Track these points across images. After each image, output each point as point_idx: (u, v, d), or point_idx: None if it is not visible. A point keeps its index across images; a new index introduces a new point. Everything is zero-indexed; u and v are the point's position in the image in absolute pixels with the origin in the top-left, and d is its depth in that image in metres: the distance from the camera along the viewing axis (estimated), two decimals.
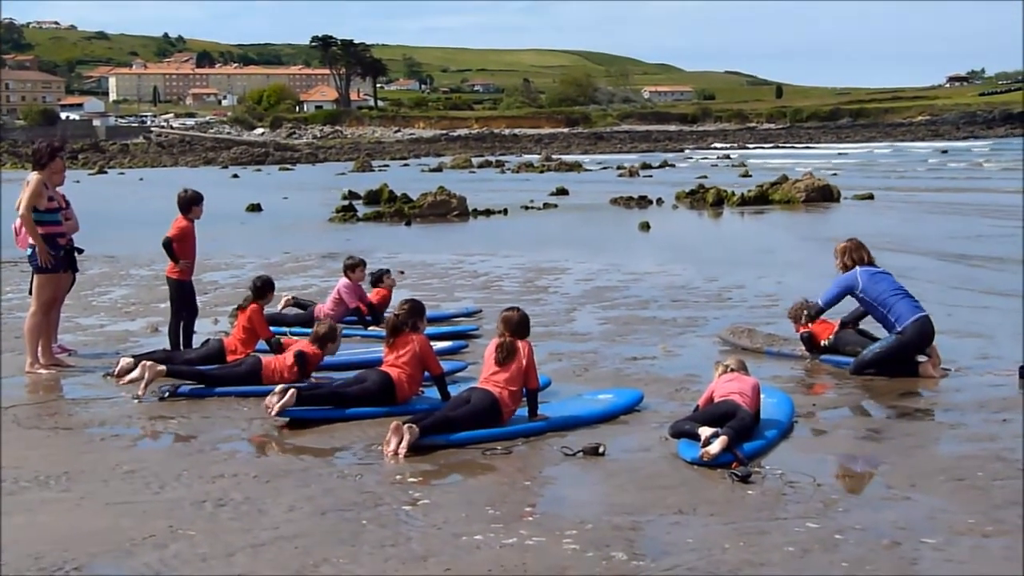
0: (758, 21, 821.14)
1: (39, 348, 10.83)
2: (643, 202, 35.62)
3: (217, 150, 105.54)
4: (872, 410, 9.08)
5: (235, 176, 64.62)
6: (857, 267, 10.48)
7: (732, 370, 8.37)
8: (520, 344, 8.46)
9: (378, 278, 13.63)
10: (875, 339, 10.60)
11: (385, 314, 12.90)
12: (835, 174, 49.40)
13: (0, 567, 5.57)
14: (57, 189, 11.09)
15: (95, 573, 5.54)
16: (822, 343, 10.96)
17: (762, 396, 8.46)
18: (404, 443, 7.67)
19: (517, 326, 8.55)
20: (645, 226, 27.14)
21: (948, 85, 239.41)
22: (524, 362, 8.36)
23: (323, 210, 33.79)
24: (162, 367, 9.87)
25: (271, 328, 11.12)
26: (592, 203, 36.61)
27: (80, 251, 11.52)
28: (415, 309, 9.18)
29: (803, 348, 11.03)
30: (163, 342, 11.97)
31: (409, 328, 9.06)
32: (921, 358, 10.24)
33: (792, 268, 18.36)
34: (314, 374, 10.07)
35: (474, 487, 7.12)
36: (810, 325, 10.94)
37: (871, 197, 35.48)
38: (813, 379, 10.31)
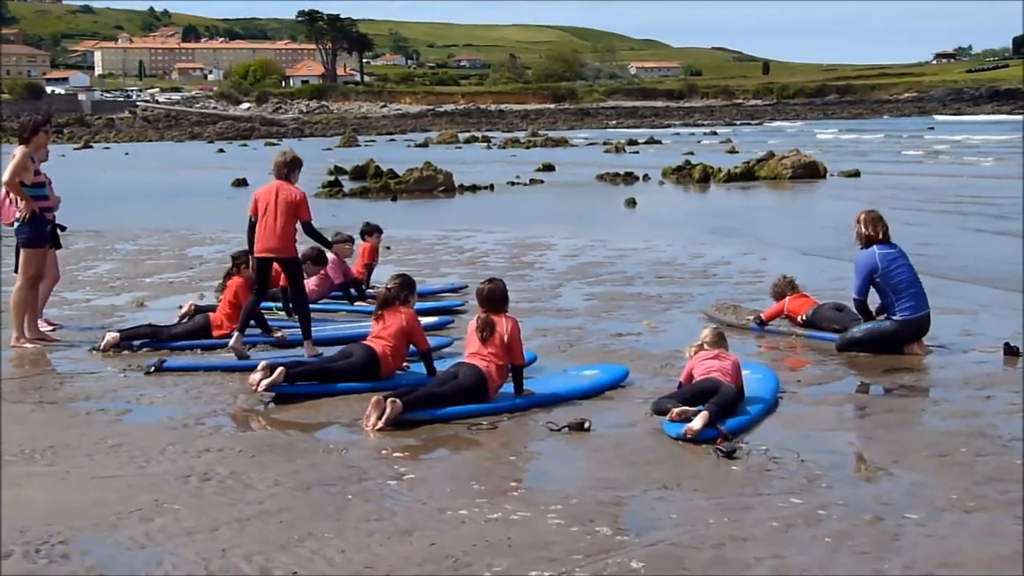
0: None
1: (25, 322, 10.80)
2: (629, 178, 35.62)
3: (203, 125, 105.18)
4: (856, 386, 9.11)
5: (221, 151, 64.39)
6: (875, 246, 10.22)
7: (708, 346, 8.36)
8: (504, 319, 8.46)
9: (368, 232, 13.70)
10: (851, 312, 10.66)
11: (370, 290, 12.95)
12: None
13: None
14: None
15: (80, 547, 5.55)
16: (799, 318, 11.05)
17: (747, 372, 8.51)
18: (385, 417, 7.68)
19: (490, 299, 8.53)
20: (631, 202, 27.14)
21: (935, 62, 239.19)
22: (507, 336, 8.36)
23: (309, 185, 33.55)
24: (115, 334, 10.56)
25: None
26: (578, 179, 36.59)
27: (63, 228, 11.48)
28: (406, 283, 9.18)
29: (790, 325, 11.13)
30: (148, 316, 11.96)
31: (400, 302, 9.06)
32: None
33: (777, 245, 18.38)
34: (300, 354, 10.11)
35: (459, 462, 7.14)
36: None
37: (857, 174, 35.49)
38: (798, 355, 10.35)
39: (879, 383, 9.16)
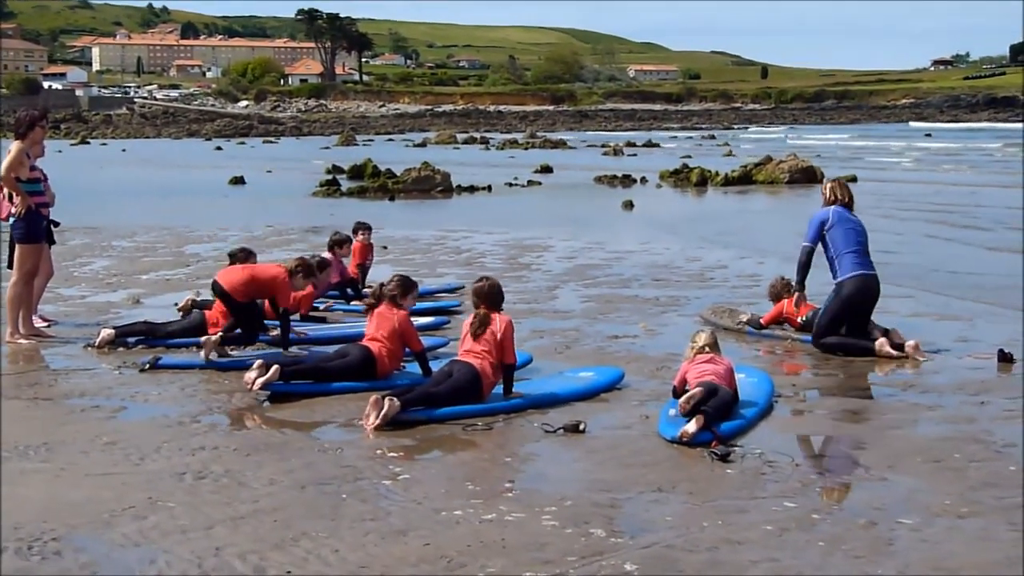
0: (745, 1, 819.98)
1: (19, 318, 10.79)
2: (627, 181, 35.66)
3: (201, 122, 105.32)
4: (851, 391, 9.11)
5: (219, 148, 64.42)
6: (833, 206, 10.62)
7: (707, 349, 8.35)
8: (498, 317, 8.46)
9: (356, 230, 13.77)
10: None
11: (366, 290, 12.95)
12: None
13: None
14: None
15: (74, 544, 5.54)
16: (799, 320, 11.06)
17: (742, 375, 8.52)
18: (382, 414, 7.68)
19: (488, 296, 8.54)
20: (628, 205, 27.17)
21: (933, 68, 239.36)
22: (500, 335, 8.35)
23: (307, 184, 33.72)
24: (110, 331, 10.49)
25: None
26: (576, 181, 36.62)
27: (56, 224, 11.47)
28: (401, 284, 9.17)
29: (788, 328, 11.13)
30: (144, 314, 11.95)
31: (388, 302, 9.06)
32: (905, 340, 10.29)
33: (773, 248, 18.38)
34: (295, 348, 10.12)
35: (454, 463, 7.14)
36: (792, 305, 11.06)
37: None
38: (793, 359, 10.35)
39: (873, 388, 9.16)
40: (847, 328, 10.43)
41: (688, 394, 7.69)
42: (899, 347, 10.22)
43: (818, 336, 10.46)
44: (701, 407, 7.51)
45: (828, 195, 10.78)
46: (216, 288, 10.07)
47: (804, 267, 10.59)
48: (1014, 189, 31.08)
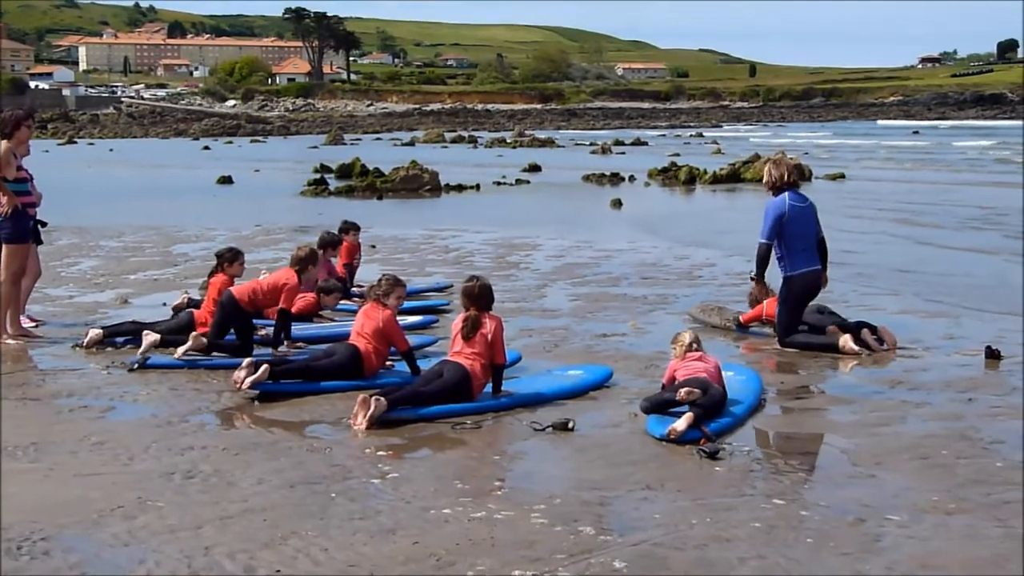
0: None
1: (7, 318, 10.77)
2: (615, 179, 35.65)
3: (188, 122, 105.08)
4: (839, 389, 9.12)
5: (206, 148, 64.25)
6: (786, 192, 10.56)
7: (695, 347, 8.35)
8: (488, 318, 8.46)
9: (344, 230, 13.69)
10: (832, 313, 10.88)
11: (354, 289, 12.96)
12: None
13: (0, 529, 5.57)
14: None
15: (63, 544, 5.54)
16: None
17: (731, 373, 8.55)
18: (368, 415, 7.68)
19: (479, 297, 8.54)
20: (617, 203, 27.18)
21: (920, 66, 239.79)
22: (491, 336, 8.36)
23: (295, 183, 33.66)
24: (98, 331, 10.49)
25: None
26: (564, 180, 36.58)
27: (43, 224, 11.44)
28: (388, 281, 9.18)
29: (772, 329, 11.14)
30: (132, 313, 11.94)
31: (374, 301, 9.07)
32: (896, 339, 10.35)
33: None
34: (284, 348, 10.12)
35: (443, 461, 7.15)
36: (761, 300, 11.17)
37: (842, 176, 35.56)
38: (781, 357, 10.36)
39: (861, 386, 9.18)
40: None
41: (687, 389, 7.70)
42: (865, 344, 10.26)
43: (783, 334, 10.52)
44: (690, 405, 7.53)
45: (769, 179, 10.73)
46: (227, 296, 10.04)
47: (764, 261, 10.59)
48: (984, 188, 31.29)
